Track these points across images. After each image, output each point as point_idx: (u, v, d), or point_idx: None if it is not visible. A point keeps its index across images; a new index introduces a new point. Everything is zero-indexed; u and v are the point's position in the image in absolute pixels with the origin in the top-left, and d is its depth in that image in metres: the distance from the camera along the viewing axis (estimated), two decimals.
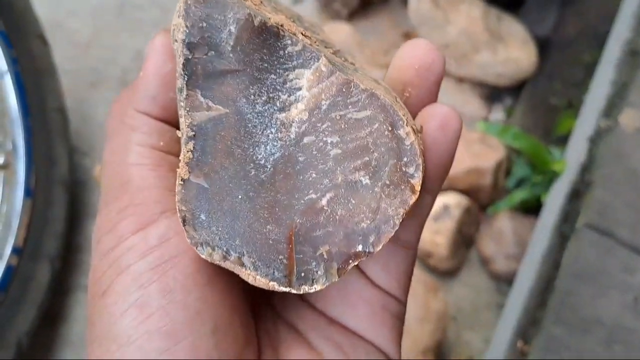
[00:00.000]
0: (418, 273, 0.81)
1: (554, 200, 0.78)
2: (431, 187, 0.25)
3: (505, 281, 0.91)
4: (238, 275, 0.23)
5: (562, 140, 0.95)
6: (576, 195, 0.74)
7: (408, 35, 1.13)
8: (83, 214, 0.99)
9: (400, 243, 0.26)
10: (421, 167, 0.23)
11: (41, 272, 0.87)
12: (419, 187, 0.23)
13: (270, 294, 0.27)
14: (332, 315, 0.26)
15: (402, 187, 0.23)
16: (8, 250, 0.83)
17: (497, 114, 1.06)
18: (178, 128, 0.25)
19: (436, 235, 0.88)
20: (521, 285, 0.72)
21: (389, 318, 0.26)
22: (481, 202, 0.94)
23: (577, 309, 0.63)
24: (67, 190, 0.93)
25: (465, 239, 0.92)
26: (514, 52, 1.03)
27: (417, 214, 0.25)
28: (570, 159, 0.80)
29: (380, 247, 0.23)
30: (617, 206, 0.68)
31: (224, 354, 0.22)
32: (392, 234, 0.23)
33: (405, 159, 0.23)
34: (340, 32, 1.03)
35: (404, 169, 0.23)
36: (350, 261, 0.23)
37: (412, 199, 0.23)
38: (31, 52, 0.90)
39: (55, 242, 0.90)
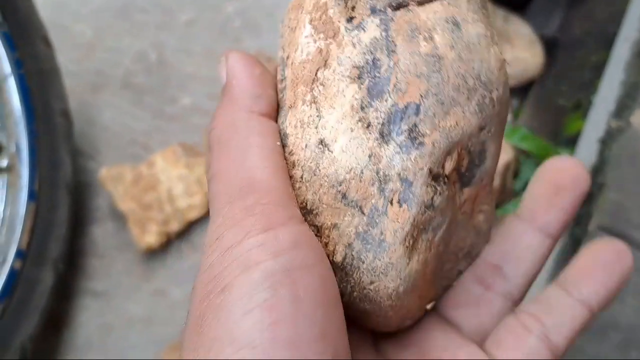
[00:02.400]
0: None
1: None
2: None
3: None
4: None
5: (571, 142, 0.94)
6: (588, 197, 0.73)
7: None
8: (87, 218, 0.98)
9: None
10: None
11: (45, 276, 0.86)
12: None
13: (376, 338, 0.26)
14: None
15: None
16: (12, 254, 0.82)
17: None
18: None
19: None
20: (532, 288, 0.71)
21: None
22: None
23: None
24: (71, 193, 0.92)
25: None
26: (520, 52, 1.02)
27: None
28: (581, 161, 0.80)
29: None
30: (631, 208, 0.67)
31: None
32: None
33: None
34: None
35: None
36: None
37: None
38: (35, 54, 0.89)
39: (59, 246, 0.89)
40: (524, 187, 0.93)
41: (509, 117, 1.06)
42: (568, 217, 0.27)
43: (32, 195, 0.86)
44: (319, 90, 0.23)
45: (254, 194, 0.22)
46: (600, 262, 0.25)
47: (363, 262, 0.22)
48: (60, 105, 0.94)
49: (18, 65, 0.85)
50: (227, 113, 0.25)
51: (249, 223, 0.21)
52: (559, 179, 0.27)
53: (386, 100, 0.22)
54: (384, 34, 0.22)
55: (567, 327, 0.25)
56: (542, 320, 0.25)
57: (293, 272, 0.19)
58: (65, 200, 0.91)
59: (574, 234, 0.72)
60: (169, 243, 0.94)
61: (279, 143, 0.24)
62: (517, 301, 0.28)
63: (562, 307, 0.25)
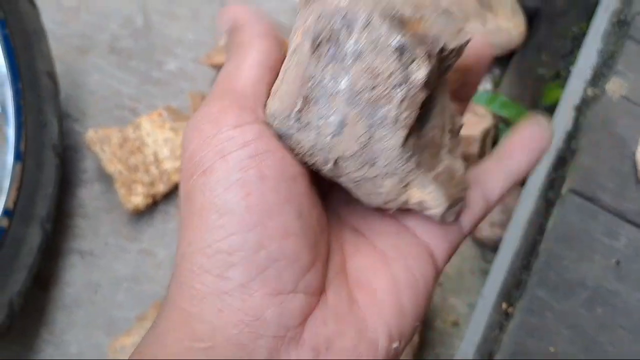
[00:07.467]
0: None
1: (540, 168, 0.80)
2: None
3: (490, 248, 0.93)
4: (316, 185, 0.28)
5: (549, 111, 0.97)
6: (562, 162, 0.76)
7: None
8: (74, 180, 0.99)
9: None
10: None
11: (32, 234, 0.88)
12: None
13: (337, 205, 0.31)
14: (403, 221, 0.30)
15: None
16: None
17: (485, 85, 1.07)
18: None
19: None
20: (507, 248, 0.74)
21: (448, 233, 0.30)
22: None
23: (561, 271, 0.65)
24: (58, 154, 0.93)
25: None
26: (503, 22, 1.03)
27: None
28: (557, 127, 0.82)
29: None
30: (602, 172, 0.69)
31: (306, 235, 0.26)
32: None
33: None
34: None
35: None
36: None
37: None
38: (20, 14, 0.89)
39: (46, 206, 0.90)
40: None
41: (490, 87, 1.08)
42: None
43: (18, 156, 0.87)
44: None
45: (232, 96, 0.27)
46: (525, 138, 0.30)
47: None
48: (45, 67, 0.95)
49: (2, 25, 0.85)
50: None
51: (224, 120, 0.26)
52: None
53: None
54: None
55: (500, 187, 0.31)
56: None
57: (257, 157, 0.25)
58: (52, 161, 0.92)
59: (547, 196, 0.75)
60: (155, 204, 0.96)
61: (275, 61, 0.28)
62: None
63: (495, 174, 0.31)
